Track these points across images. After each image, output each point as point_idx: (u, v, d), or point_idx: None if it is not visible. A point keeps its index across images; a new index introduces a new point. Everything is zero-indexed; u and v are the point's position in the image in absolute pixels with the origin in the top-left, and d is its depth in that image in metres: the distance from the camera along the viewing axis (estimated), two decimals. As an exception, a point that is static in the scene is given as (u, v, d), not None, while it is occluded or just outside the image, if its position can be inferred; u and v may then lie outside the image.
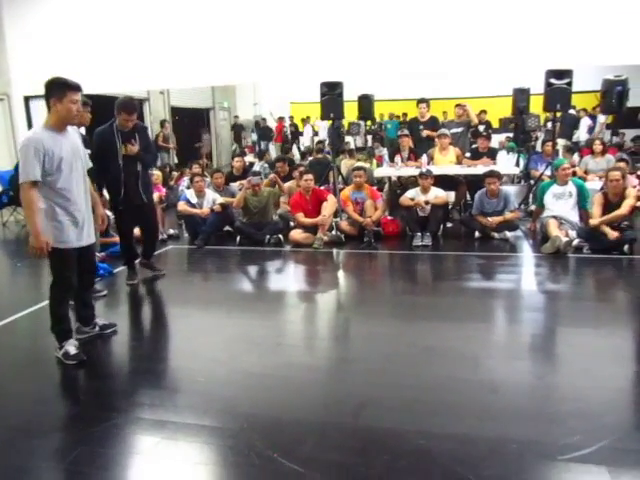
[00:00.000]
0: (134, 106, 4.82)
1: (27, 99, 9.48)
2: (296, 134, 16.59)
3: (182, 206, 6.75)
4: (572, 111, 10.88)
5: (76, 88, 3.31)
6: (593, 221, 5.65)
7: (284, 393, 3.02)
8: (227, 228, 6.97)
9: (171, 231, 7.09)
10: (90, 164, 3.68)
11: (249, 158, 11.91)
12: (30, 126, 9.39)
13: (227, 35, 8.61)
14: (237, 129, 16.40)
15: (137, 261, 5.27)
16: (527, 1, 7.76)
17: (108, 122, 4.80)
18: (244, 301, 4.81)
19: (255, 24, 8.54)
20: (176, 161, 12.79)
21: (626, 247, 5.50)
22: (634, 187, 6.65)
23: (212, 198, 6.83)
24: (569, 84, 6.92)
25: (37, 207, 3.20)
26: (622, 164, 6.88)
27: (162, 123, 12.74)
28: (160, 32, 8.63)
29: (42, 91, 3.30)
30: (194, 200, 6.78)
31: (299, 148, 15.46)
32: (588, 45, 7.73)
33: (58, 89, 3.26)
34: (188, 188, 7.39)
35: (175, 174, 9.89)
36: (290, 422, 2.72)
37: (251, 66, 8.88)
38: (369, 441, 2.51)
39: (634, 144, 11.75)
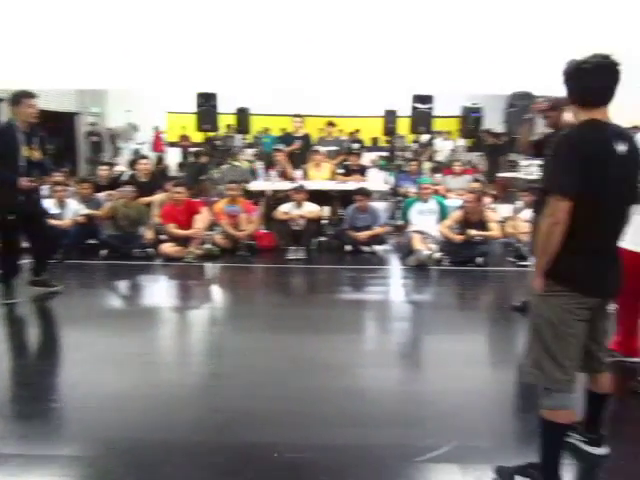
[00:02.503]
0: (33, 93, 4.51)
1: None
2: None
3: (40, 217, 6.21)
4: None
5: None
6: (443, 229, 6.15)
7: (149, 413, 2.88)
8: (92, 241, 6.54)
9: (24, 244, 6.47)
10: None
11: (120, 167, 11.32)
12: None
13: (98, 36, 8.17)
14: (93, 137, 15.37)
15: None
16: (395, 29, 8.30)
17: (5, 122, 4.57)
18: (110, 318, 4.51)
19: (128, 28, 8.21)
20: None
21: (480, 260, 6.00)
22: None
23: (75, 209, 6.38)
24: (430, 109, 7.46)
25: None
26: (476, 184, 7.51)
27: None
28: (21, 27, 7.95)
29: None
30: (54, 210, 6.28)
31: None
32: (450, 74, 8.46)
33: None
34: (48, 198, 6.82)
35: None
36: (154, 443, 2.59)
37: (123, 72, 8.49)
38: (236, 457, 2.46)
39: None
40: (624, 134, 2.11)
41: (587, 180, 1.99)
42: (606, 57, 2.04)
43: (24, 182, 4.34)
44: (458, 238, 5.99)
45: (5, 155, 4.37)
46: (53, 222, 6.16)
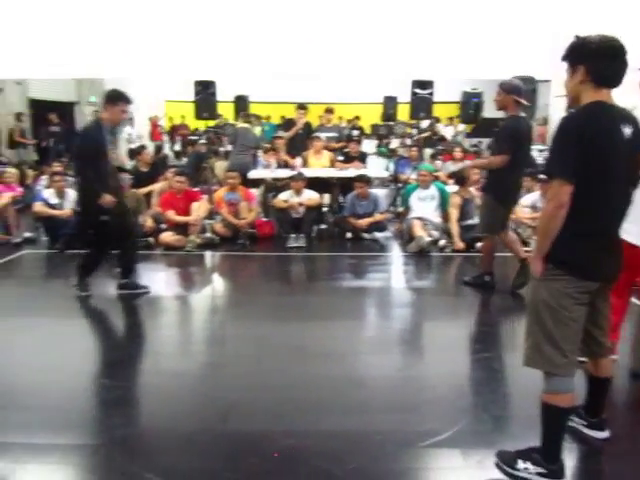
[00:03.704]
0: (128, 97, 4.39)
1: None
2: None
3: (39, 207, 6.20)
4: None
5: None
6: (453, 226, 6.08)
7: (150, 403, 2.89)
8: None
9: (27, 234, 6.48)
10: None
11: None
12: None
13: (95, 26, 8.09)
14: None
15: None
16: (394, 15, 8.23)
17: (93, 120, 4.41)
18: (111, 308, 4.51)
19: (125, 16, 8.12)
20: (35, 158, 11.76)
21: (479, 245, 5.97)
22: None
23: (74, 198, 6.35)
24: (431, 94, 7.40)
25: None
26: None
27: (18, 116, 11.67)
28: (17, 15, 7.88)
29: None
30: (53, 201, 6.26)
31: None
32: (449, 59, 8.39)
33: None
34: (47, 188, 6.81)
35: (31, 172, 9.08)
36: (155, 432, 2.60)
37: (120, 61, 8.43)
38: (237, 445, 2.47)
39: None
40: (629, 117, 2.07)
41: (591, 163, 1.95)
42: (616, 40, 2.00)
43: (107, 200, 4.18)
44: (460, 245, 5.94)
45: (92, 157, 4.13)
46: (52, 212, 6.17)
